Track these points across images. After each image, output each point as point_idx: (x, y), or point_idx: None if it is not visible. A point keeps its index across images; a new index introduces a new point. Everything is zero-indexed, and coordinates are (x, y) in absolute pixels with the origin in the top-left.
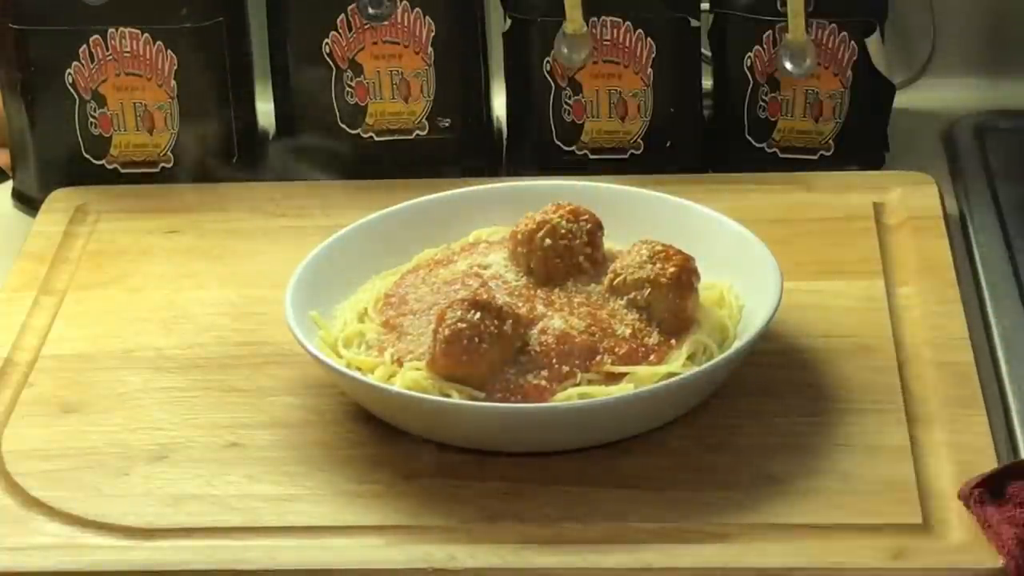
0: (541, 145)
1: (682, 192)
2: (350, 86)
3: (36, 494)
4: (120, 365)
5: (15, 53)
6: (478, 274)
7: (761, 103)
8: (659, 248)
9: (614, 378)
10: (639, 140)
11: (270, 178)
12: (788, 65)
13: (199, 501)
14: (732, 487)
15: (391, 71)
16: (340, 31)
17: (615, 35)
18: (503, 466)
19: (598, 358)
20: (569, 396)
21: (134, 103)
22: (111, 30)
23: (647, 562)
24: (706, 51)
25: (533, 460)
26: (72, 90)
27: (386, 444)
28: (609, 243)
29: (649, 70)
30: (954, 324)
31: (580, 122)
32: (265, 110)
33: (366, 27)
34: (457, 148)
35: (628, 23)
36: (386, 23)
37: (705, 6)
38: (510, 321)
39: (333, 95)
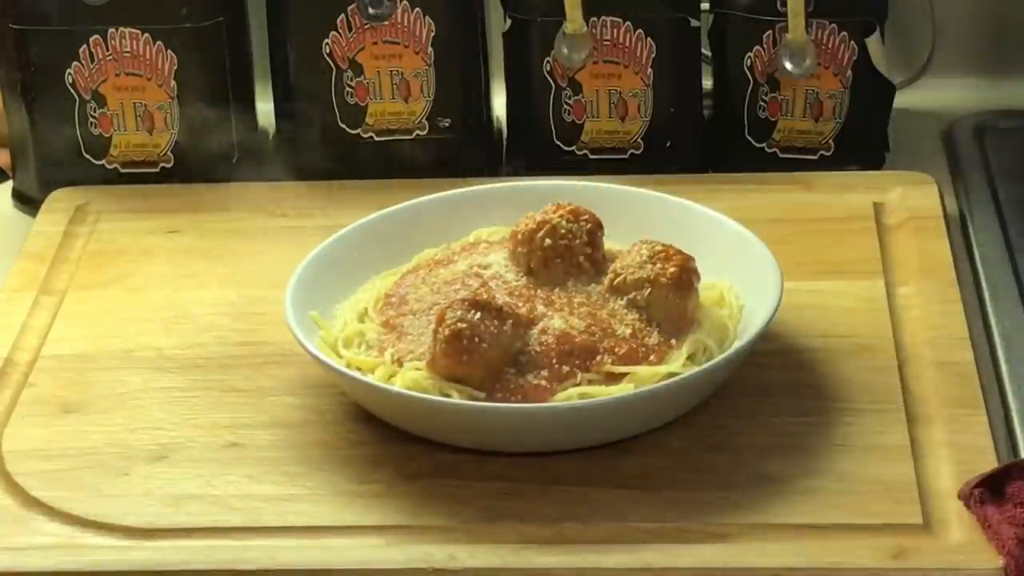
0: (541, 145)
1: (682, 192)
2: (350, 86)
3: (36, 494)
4: (120, 365)
5: (15, 53)
6: (478, 274)
7: (761, 103)
8: (659, 248)
9: (614, 378)
10: (639, 140)
11: (270, 178)
12: (788, 65)
13: (199, 501)
14: (732, 487)
15: (391, 71)
16: (340, 31)
17: (615, 35)
18: (503, 466)
19: (598, 358)
20: (569, 396)
21: (134, 103)
22: (111, 30)
23: (647, 562)
24: (706, 51)
25: (533, 460)
26: (72, 90)
27: (386, 444)
28: (609, 243)
29: (649, 70)
30: (954, 324)
31: (580, 122)
32: (265, 110)
33: (366, 27)
34: (457, 148)
35: (628, 23)
36: (386, 23)
37: (705, 6)
38: (510, 321)
39: (333, 95)
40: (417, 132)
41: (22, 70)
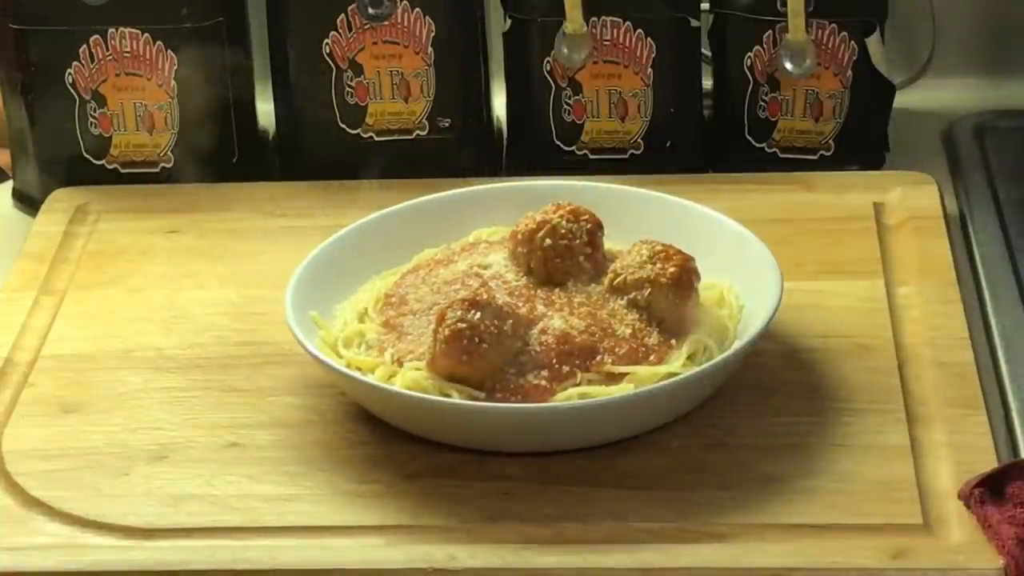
0: (541, 145)
1: (682, 192)
2: (350, 86)
3: (36, 494)
4: (120, 365)
5: (15, 53)
6: (478, 274)
7: (761, 103)
8: (659, 248)
9: (614, 378)
10: (639, 140)
11: (270, 178)
12: (788, 65)
13: (199, 501)
14: (732, 487)
15: (391, 71)
16: (340, 31)
17: (615, 35)
18: (503, 466)
19: (598, 358)
20: (569, 396)
21: (134, 103)
22: (111, 30)
23: (647, 562)
24: (706, 51)
25: (533, 460)
26: (72, 90)
27: (386, 444)
28: (609, 243)
29: (649, 70)
30: (954, 324)
31: (580, 122)
32: (265, 110)
33: (366, 27)
34: (457, 148)
35: (628, 23)
36: (386, 23)
37: (705, 6)
38: (510, 321)
39: (333, 95)
40: (417, 132)
41: (22, 70)
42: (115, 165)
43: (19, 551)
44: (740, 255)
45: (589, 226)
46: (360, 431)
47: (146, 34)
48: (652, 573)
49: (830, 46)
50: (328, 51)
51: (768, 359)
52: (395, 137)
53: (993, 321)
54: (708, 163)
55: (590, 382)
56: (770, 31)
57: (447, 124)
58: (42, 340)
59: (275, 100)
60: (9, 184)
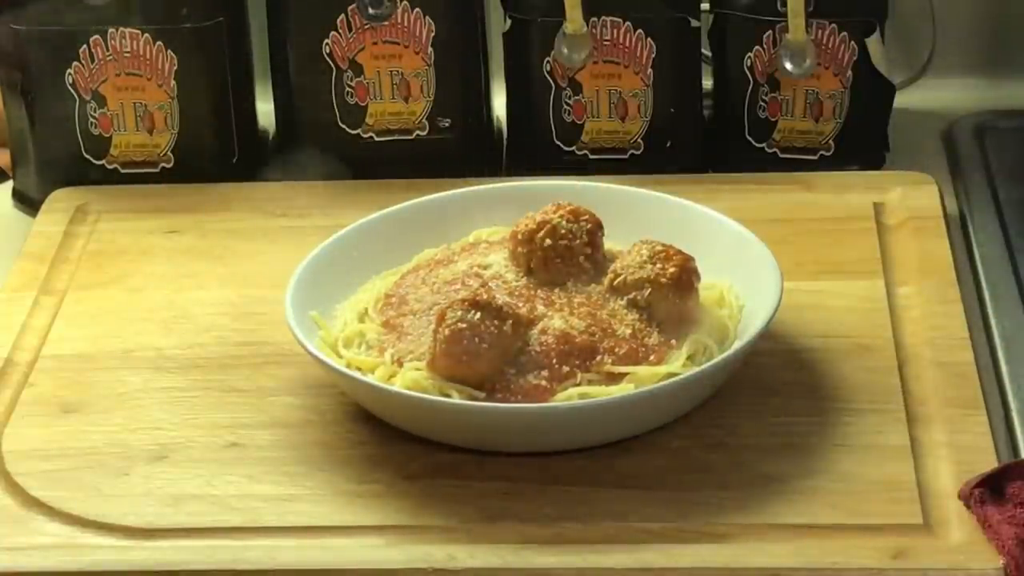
0: (541, 145)
1: (682, 192)
2: (350, 86)
3: (36, 494)
4: (120, 365)
5: (15, 53)
6: (478, 274)
7: (761, 103)
8: (659, 248)
9: (614, 378)
10: (639, 140)
11: (270, 178)
12: (788, 65)
13: (199, 501)
14: (732, 487)
15: (391, 71)
16: (340, 31)
17: (615, 35)
18: (503, 466)
19: (598, 358)
20: (569, 396)
21: (134, 103)
22: (111, 30)
23: (647, 562)
24: (706, 51)
25: (533, 460)
26: (72, 90)
27: (386, 444)
28: (609, 243)
29: (649, 70)
30: (954, 324)
31: (580, 122)
32: (265, 110)
33: (366, 27)
34: (457, 148)
35: (628, 23)
36: (386, 23)
37: (705, 6)
38: (510, 321)
39: (333, 95)
40: (417, 132)
41: (22, 70)
42: (115, 165)
43: (19, 551)
44: (740, 255)
45: (589, 226)
46: (360, 431)
47: (146, 34)
48: (652, 573)
49: (830, 46)
50: (328, 51)
51: (768, 359)
52: (395, 137)
53: (993, 321)
54: (708, 163)
55: (590, 382)
56: (770, 31)
57: (447, 124)
58: (42, 340)
59: (275, 100)
60: (9, 184)
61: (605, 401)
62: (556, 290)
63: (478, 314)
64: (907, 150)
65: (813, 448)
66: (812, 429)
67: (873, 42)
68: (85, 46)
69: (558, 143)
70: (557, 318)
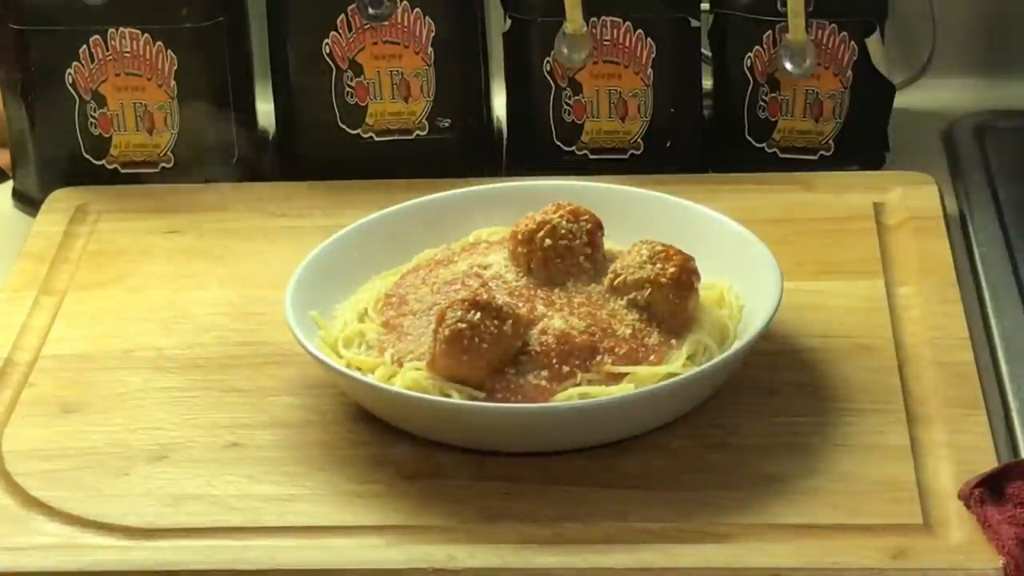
0: (541, 145)
1: (682, 192)
2: (350, 86)
3: (36, 494)
4: (120, 365)
5: (15, 53)
6: (478, 274)
7: (761, 103)
8: (659, 248)
9: (614, 378)
10: (639, 140)
11: (270, 178)
12: (788, 65)
13: (199, 501)
14: (732, 487)
15: (391, 71)
16: (340, 31)
17: (615, 35)
18: (503, 466)
19: (598, 358)
20: (569, 396)
21: (134, 103)
22: (111, 30)
23: (647, 562)
24: (706, 51)
25: (533, 460)
26: (72, 90)
27: (386, 444)
28: (609, 243)
29: (649, 70)
30: (954, 324)
31: (580, 122)
32: (265, 110)
33: (366, 27)
34: (457, 148)
35: (628, 23)
36: (386, 23)
37: (705, 6)
38: (510, 321)
39: (333, 95)
40: (417, 132)
41: (22, 70)
42: (115, 165)
43: (19, 551)
44: (740, 255)
45: (589, 226)
46: (360, 431)
47: (146, 34)
48: (652, 573)
49: (830, 46)
50: (328, 51)
51: (768, 359)
52: (395, 137)
53: (993, 321)
54: (708, 163)
55: (590, 382)
56: (770, 31)
57: (447, 124)
58: (42, 340)
59: (275, 100)
60: (9, 184)
61: (605, 401)
62: (556, 290)
63: (478, 314)
64: (907, 150)
65: (813, 448)
66: (812, 429)
67: (873, 42)
68: (85, 46)
69: (558, 143)
70: (557, 318)
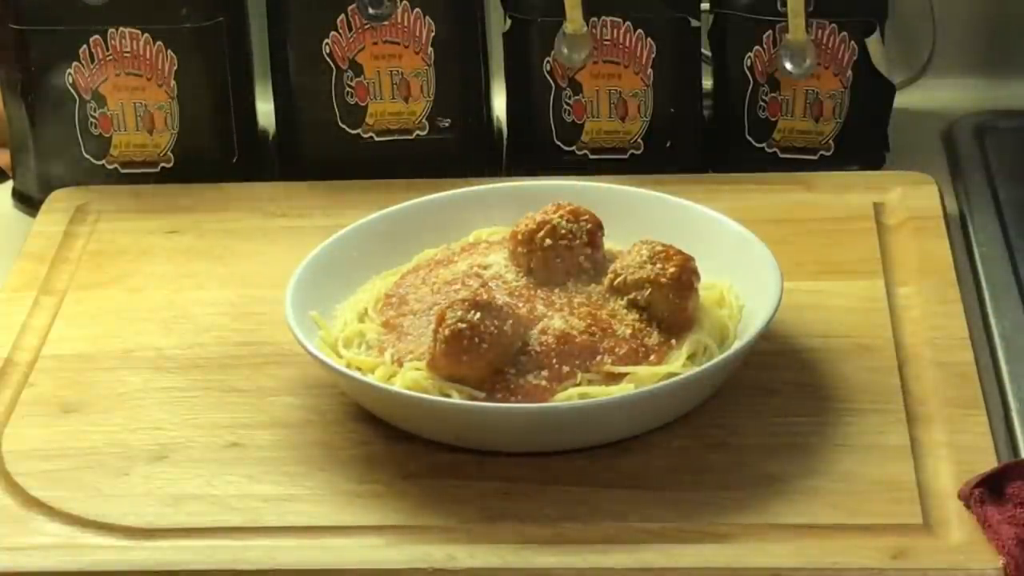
0: (541, 145)
1: (682, 192)
2: (350, 86)
3: (36, 494)
4: (120, 365)
5: (15, 53)
6: (478, 274)
7: (761, 103)
8: (659, 248)
9: (614, 378)
10: (639, 140)
11: (270, 178)
12: (788, 65)
13: (199, 501)
14: (732, 487)
15: (391, 71)
16: (340, 31)
17: (615, 35)
18: (503, 466)
19: (598, 358)
20: (569, 396)
21: (134, 103)
22: (111, 30)
23: (647, 562)
24: (706, 51)
25: (533, 460)
26: (72, 90)
27: (386, 444)
28: (609, 243)
29: (649, 70)
30: (954, 324)
31: (580, 122)
32: (265, 110)
33: (366, 27)
34: (457, 148)
35: (628, 23)
36: (386, 23)
37: (705, 6)
38: (510, 321)
39: (333, 95)
40: (417, 132)
41: (22, 70)
42: (115, 165)
43: (19, 551)
44: (740, 255)
45: (589, 226)
46: (360, 431)
47: (146, 34)
48: (652, 573)
49: (830, 46)
50: (328, 51)
51: (768, 359)
52: (395, 137)
53: (993, 321)
54: (708, 163)
55: (590, 382)
56: (770, 31)
57: (447, 124)
58: (42, 340)
59: (275, 100)
60: (9, 184)
61: (605, 401)
62: (556, 290)
63: (478, 314)
64: (907, 150)
65: (813, 448)
66: (812, 429)
67: (873, 42)
68: (85, 46)
69: (558, 143)
70: (557, 318)
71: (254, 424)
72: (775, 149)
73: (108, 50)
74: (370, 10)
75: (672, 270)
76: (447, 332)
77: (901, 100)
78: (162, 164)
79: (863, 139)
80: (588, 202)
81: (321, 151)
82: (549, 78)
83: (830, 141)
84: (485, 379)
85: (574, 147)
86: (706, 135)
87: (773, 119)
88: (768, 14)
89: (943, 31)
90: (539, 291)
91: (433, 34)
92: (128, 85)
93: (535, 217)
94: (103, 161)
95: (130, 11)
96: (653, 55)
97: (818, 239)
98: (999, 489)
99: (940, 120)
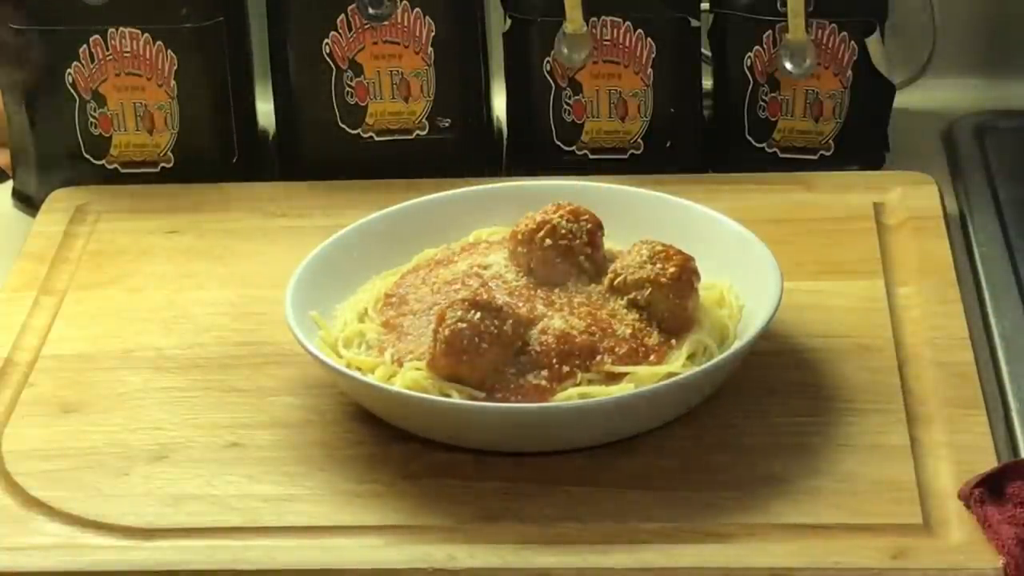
0: (541, 145)
1: (682, 192)
2: (350, 86)
3: (36, 494)
4: (120, 365)
5: (15, 53)
6: (478, 274)
7: (761, 103)
8: (659, 248)
9: (614, 378)
10: (639, 140)
11: (270, 178)
12: (788, 65)
13: (199, 501)
14: (732, 487)
15: (391, 71)
16: (340, 31)
17: (615, 35)
18: (503, 466)
19: (598, 358)
20: (569, 396)
21: (134, 103)
22: (111, 30)
23: (647, 562)
24: (706, 51)
25: (533, 460)
26: (72, 90)
27: (386, 444)
28: (609, 243)
29: (649, 70)
30: (954, 324)
31: (580, 122)
32: (265, 110)
33: (366, 27)
34: (457, 148)
35: (628, 23)
36: (386, 23)
37: (705, 6)
38: (510, 321)
39: (333, 95)
40: (417, 132)
41: (22, 70)
42: (115, 165)
43: (19, 551)
44: (740, 255)
45: (589, 226)
46: (360, 431)
47: (146, 34)
48: (652, 573)
49: (830, 46)
50: (328, 51)
51: (768, 359)
52: (395, 137)
53: (993, 321)
54: (708, 163)
55: (590, 382)
56: (770, 31)
57: (447, 124)
58: (42, 340)
59: (275, 100)
60: (9, 184)
61: (605, 401)
62: (556, 290)
63: (478, 314)
64: (907, 150)
65: (813, 448)
66: (812, 429)
67: (873, 42)
68: (85, 46)
69: (558, 143)
70: (557, 318)
71: (254, 424)
72: (775, 149)
73: (108, 50)
74: (370, 10)
75: (672, 270)
76: (447, 332)
77: (901, 100)
78: (162, 164)
79: (863, 139)
80: (588, 202)
81: (321, 151)
82: (549, 78)
83: (830, 141)
84: (485, 379)
85: (574, 147)
86: (706, 135)
87: (773, 119)
88: (768, 14)
89: (943, 31)
90: (539, 291)
91: (433, 34)
92: (128, 85)
93: (535, 217)
94: (103, 161)
95: (130, 11)
96: (653, 55)
97: (818, 239)
98: (999, 489)
99: (940, 120)
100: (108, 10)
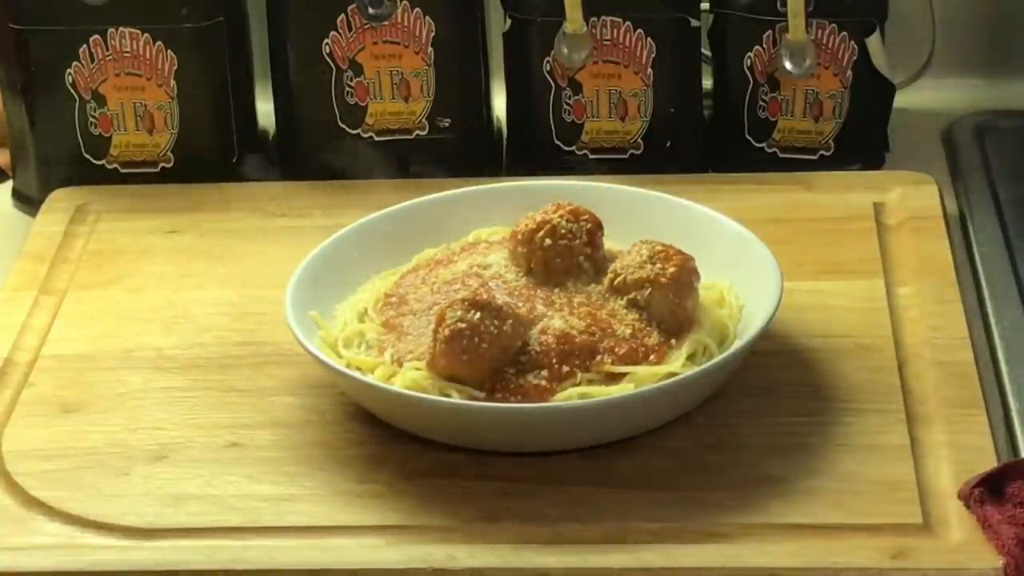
0: (541, 145)
1: (682, 192)
2: (350, 86)
3: (36, 494)
4: (120, 365)
5: (15, 53)
6: (478, 274)
7: (761, 103)
8: (659, 248)
9: (614, 378)
10: (639, 140)
11: (270, 178)
12: (788, 65)
13: (199, 501)
14: (732, 487)
15: (391, 71)
16: (340, 31)
17: (615, 35)
18: (503, 466)
19: (598, 358)
20: (569, 396)
21: (134, 103)
22: (111, 30)
23: (647, 562)
24: (706, 51)
25: (533, 460)
26: (72, 90)
27: (386, 444)
28: (609, 243)
29: (649, 70)
30: (954, 324)
31: (580, 122)
32: (265, 110)
33: (366, 27)
34: (457, 148)
35: (628, 23)
36: (386, 23)
37: (705, 6)
38: (510, 321)
39: (333, 95)
40: (417, 132)
41: (22, 70)
42: (115, 165)
43: (19, 551)
44: (740, 255)
45: (589, 226)
46: (360, 431)
47: (146, 34)
48: (652, 573)
49: (830, 46)
50: (328, 51)
51: (768, 359)
52: (395, 137)
53: (993, 321)
54: (708, 163)
55: (590, 382)
56: (770, 31)
57: (447, 124)
58: (42, 340)
59: (275, 100)
60: (9, 184)
61: (605, 401)
62: (556, 290)
63: (478, 314)
64: (907, 150)
65: (813, 448)
66: (812, 429)
67: (873, 42)
68: (85, 46)
69: (558, 143)
70: (557, 318)
71: (254, 424)
72: (775, 149)
73: (108, 50)
74: (370, 10)
75: (672, 270)
76: (447, 332)
77: (901, 100)
78: (162, 164)
79: (863, 139)
80: (588, 202)
81: (321, 151)
82: (549, 78)
83: (830, 141)
84: (485, 379)
85: (574, 147)
86: (706, 135)
87: (773, 119)
88: (768, 14)
89: (943, 31)
90: (539, 291)
91: (433, 34)
92: (128, 85)
93: (535, 217)
94: (103, 161)
95: (130, 11)
96: (653, 55)
97: (818, 239)
98: (999, 489)
99: (940, 120)
100: (108, 10)
